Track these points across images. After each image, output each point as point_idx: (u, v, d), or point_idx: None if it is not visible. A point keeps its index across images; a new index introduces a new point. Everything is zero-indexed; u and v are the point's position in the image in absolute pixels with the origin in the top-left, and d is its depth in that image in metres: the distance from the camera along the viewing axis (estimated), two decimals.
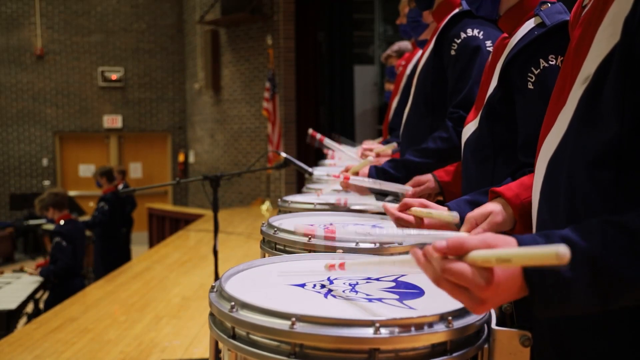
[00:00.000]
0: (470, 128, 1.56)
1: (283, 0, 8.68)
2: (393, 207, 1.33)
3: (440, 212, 1.24)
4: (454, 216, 1.20)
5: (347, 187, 2.06)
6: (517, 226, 1.12)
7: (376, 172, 2.03)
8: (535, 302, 0.73)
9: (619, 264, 0.70)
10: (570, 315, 0.84)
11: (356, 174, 2.04)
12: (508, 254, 0.67)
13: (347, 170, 2.07)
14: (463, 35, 1.87)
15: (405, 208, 1.30)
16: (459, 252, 0.71)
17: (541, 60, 1.31)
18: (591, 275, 0.70)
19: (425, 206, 1.28)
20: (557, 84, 0.98)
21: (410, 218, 1.28)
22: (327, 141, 2.98)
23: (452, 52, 1.90)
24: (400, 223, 1.30)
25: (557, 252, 0.60)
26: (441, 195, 1.92)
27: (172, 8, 11.26)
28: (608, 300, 0.72)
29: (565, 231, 0.74)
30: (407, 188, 1.86)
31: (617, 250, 0.70)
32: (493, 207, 1.14)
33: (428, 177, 1.90)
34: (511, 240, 0.73)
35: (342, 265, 1.02)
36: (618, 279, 0.70)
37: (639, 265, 0.69)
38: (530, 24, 1.37)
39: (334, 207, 1.86)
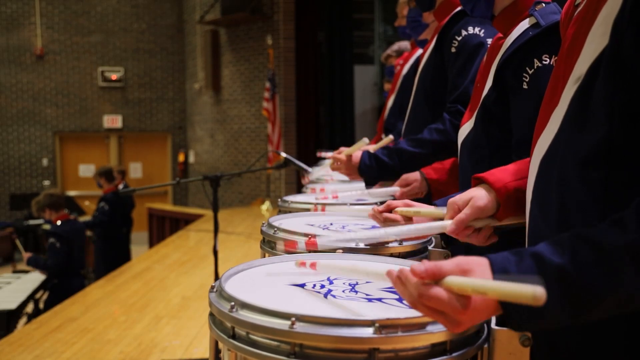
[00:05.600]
0: (465, 129, 1.56)
1: (283, 0, 8.68)
2: (378, 208, 1.33)
3: (428, 209, 1.24)
4: (442, 211, 1.20)
5: (337, 169, 2.06)
6: (500, 210, 1.11)
7: (368, 158, 2.02)
8: (510, 321, 0.74)
9: (588, 280, 0.70)
10: None
11: (349, 156, 2.03)
12: (484, 286, 0.68)
13: (340, 152, 2.07)
14: (464, 32, 1.88)
15: (389, 209, 1.30)
16: (436, 278, 0.72)
17: (535, 60, 1.31)
18: (562, 292, 0.71)
19: (408, 206, 1.28)
20: (550, 84, 0.98)
21: (398, 218, 1.28)
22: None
23: (453, 50, 1.90)
24: (388, 224, 1.30)
25: (534, 294, 0.61)
26: (428, 192, 1.92)
27: (172, 8, 11.27)
28: (580, 315, 0.73)
29: (536, 247, 0.74)
30: (395, 189, 1.86)
31: (586, 264, 0.70)
32: (475, 192, 1.13)
33: (416, 177, 1.89)
34: (483, 261, 0.74)
35: (313, 265, 1.02)
36: (588, 294, 0.70)
37: (608, 279, 0.70)
38: (524, 24, 1.37)
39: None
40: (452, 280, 0.71)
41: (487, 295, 0.68)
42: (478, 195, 1.12)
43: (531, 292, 0.61)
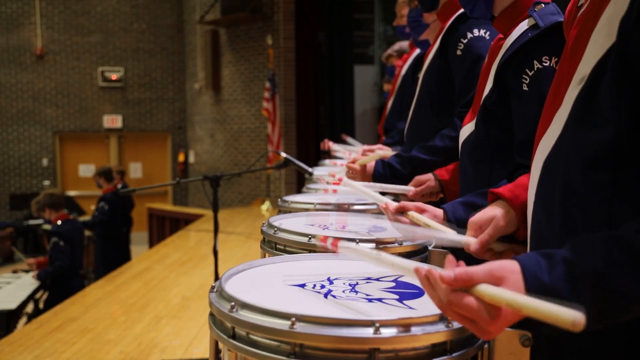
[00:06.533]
0: (467, 130, 1.56)
1: (283, 0, 8.68)
2: (391, 208, 1.33)
3: (439, 227, 1.23)
4: (450, 230, 1.20)
5: (351, 178, 2.07)
6: (521, 227, 1.12)
7: (382, 167, 2.04)
8: (541, 325, 0.72)
9: (621, 281, 0.69)
10: None
11: (364, 166, 2.04)
12: (520, 303, 0.66)
13: (354, 161, 2.08)
14: (469, 35, 1.87)
15: (401, 210, 1.30)
16: (467, 285, 0.70)
17: (535, 62, 1.31)
18: (594, 295, 0.70)
19: (421, 210, 1.28)
20: (553, 85, 0.98)
21: (407, 221, 1.28)
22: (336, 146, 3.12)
23: (458, 52, 1.89)
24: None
25: (573, 320, 0.60)
26: (442, 193, 1.92)
27: (172, 8, 11.26)
28: (611, 317, 0.72)
29: (566, 251, 0.73)
30: (408, 188, 1.86)
31: (619, 267, 0.69)
32: (495, 211, 1.13)
33: (428, 177, 1.90)
34: (515, 267, 0.72)
35: (334, 245, 0.98)
36: (621, 296, 0.70)
37: None
38: (523, 25, 1.37)
39: (335, 207, 1.86)
40: (485, 289, 0.69)
41: (522, 312, 0.66)
42: (499, 216, 1.13)
43: (571, 318, 0.60)
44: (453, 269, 0.71)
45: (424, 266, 0.77)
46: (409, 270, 0.80)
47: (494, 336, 0.74)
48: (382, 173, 2.02)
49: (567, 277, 0.71)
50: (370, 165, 2.05)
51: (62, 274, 4.96)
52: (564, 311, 0.61)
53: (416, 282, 1.05)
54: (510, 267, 0.73)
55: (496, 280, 0.71)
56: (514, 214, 1.12)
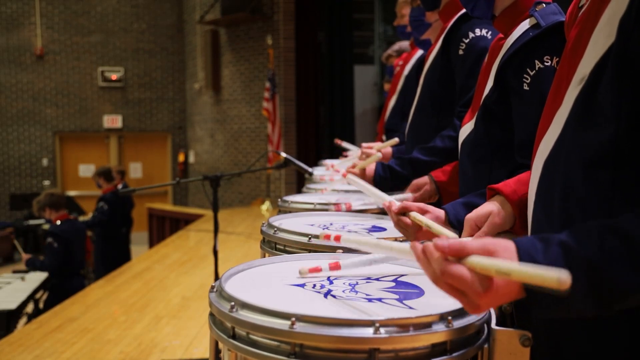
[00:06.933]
0: (466, 129, 1.56)
1: (283, 0, 8.68)
2: (395, 208, 1.33)
3: (439, 228, 1.23)
4: (451, 234, 1.19)
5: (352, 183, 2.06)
6: (517, 223, 1.11)
7: (382, 169, 2.03)
8: (533, 306, 0.73)
9: (616, 271, 0.69)
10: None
11: (363, 169, 2.04)
12: (508, 268, 0.67)
13: (353, 167, 2.07)
14: (471, 34, 1.87)
15: (404, 211, 1.30)
16: (459, 255, 0.71)
17: (536, 62, 1.30)
18: (589, 282, 0.70)
19: (423, 211, 1.28)
20: (554, 85, 0.98)
21: (409, 222, 1.28)
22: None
23: (460, 52, 1.89)
24: (400, 225, 1.31)
25: (558, 279, 0.60)
26: (438, 195, 1.92)
27: (172, 8, 11.27)
28: (605, 306, 0.72)
29: (563, 236, 0.73)
30: (406, 195, 1.86)
31: (614, 256, 0.69)
32: (491, 208, 1.13)
33: (425, 180, 1.89)
34: (510, 245, 0.73)
35: (337, 238, 1.01)
36: (616, 285, 0.70)
37: (637, 270, 0.69)
38: (525, 25, 1.37)
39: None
40: (476, 260, 0.70)
41: (511, 277, 0.66)
42: (495, 212, 1.12)
43: (556, 276, 0.60)
44: (447, 239, 0.72)
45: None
46: (408, 251, 0.80)
47: (484, 310, 0.74)
48: (383, 175, 2.02)
49: (562, 260, 0.71)
50: (370, 168, 2.04)
51: (51, 273, 4.98)
52: (550, 271, 0.62)
53: (416, 281, 1.05)
54: (504, 243, 0.73)
55: (488, 253, 0.71)
56: (511, 210, 1.12)
